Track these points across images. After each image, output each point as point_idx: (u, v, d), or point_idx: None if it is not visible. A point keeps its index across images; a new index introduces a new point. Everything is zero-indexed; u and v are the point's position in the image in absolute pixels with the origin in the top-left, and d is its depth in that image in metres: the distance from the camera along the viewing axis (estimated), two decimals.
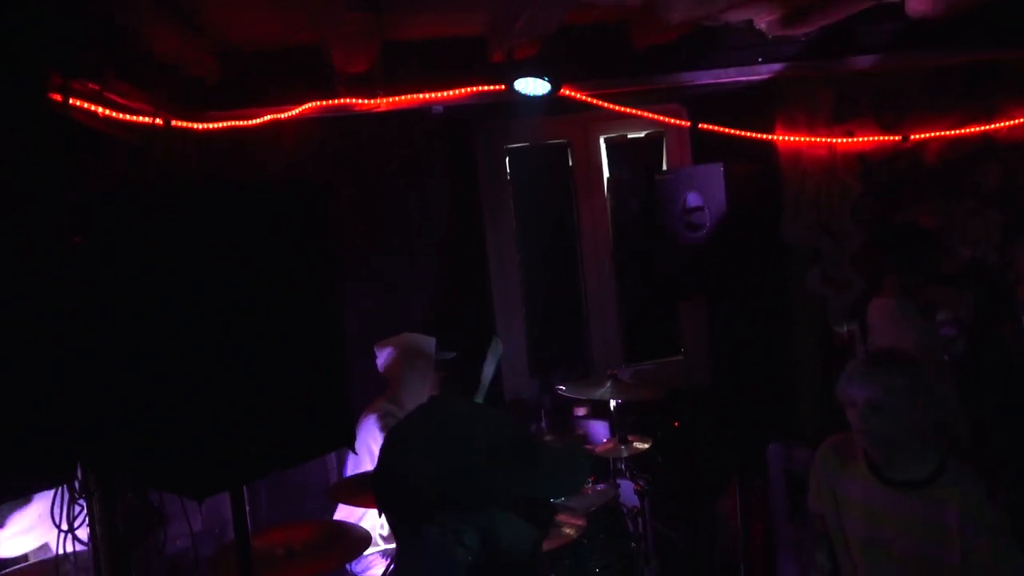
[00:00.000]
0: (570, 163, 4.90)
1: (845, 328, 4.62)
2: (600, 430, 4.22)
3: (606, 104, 4.28)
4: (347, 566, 3.24)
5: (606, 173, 4.92)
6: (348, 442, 2.17)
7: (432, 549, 1.19)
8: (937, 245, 3.72)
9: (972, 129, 4.77)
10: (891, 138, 4.71)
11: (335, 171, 4.21)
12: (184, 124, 3.48)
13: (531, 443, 1.25)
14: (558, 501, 1.39)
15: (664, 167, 4.99)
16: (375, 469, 1.26)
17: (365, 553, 2.72)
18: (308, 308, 2.06)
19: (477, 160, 4.65)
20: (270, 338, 1.96)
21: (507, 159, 4.79)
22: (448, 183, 4.49)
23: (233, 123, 3.70)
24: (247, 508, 3.45)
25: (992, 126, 4.81)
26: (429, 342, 3.55)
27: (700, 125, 4.55)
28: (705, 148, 4.66)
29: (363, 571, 3.31)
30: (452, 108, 4.11)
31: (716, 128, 4.55)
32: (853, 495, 2.29)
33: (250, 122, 3.74)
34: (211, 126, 3.67)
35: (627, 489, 3.68)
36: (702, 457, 4.32)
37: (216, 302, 1.85)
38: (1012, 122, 4.84)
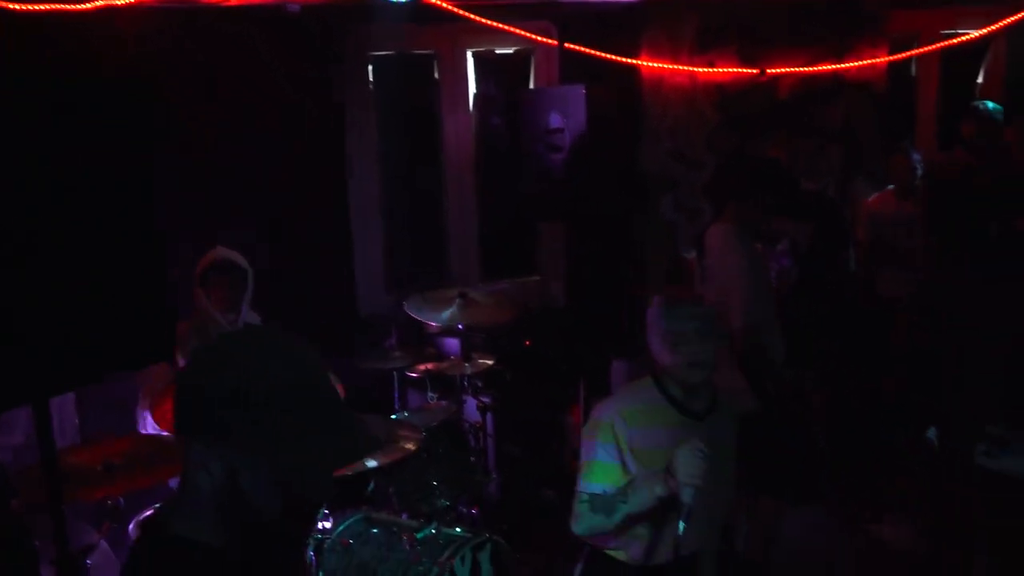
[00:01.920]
0: (436, 75, 4.78)
1: (693, 254, 4.81)
2: (452, 346, 4.26)
3: (473, 16, 4.17)
4: (173, 483, 3.17)
5: (472, 88, 4.84)
6: (166, 355, 2.10)
7: (187, 467, 1.20)
8: (785, 177, 3.87)
9: (824, 67, 4.96)
10: (749, 71, 4.84)
11: (178, 70, 3.92)
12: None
13: (321, 409, 1.21)
14: (326, 494, 1.33)
15: (532, 86, 4.95)
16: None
17: None
18: (124, 215, 1.94)
19: (339, 65, 4.45)
20: (79, 243, 1.84)
21: (370, 67, 4.61)
22: (305, 88, 4.28)
23: (58, 6, 3.37)
24: (76, 421, 3.34)
25: (842, 65, 5.01)
26: (214, 253, 3.32)
27: (566, 45, 4.52)
28: (573, 68, 4.65)
29: None
30: (310, 7, 3.89)
31: (582, 49, 4.53)
32: (657, 436, 2.37)
33: (79, 6, 3.41)
34: (33, 7, 3.33)
35: (471, 406, 3.76)
36: (551, 373, 4.45)
37: (14, 200, 1.72)
38: (861, 63, 5.06)
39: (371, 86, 4.62)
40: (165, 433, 2.92)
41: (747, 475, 2.84)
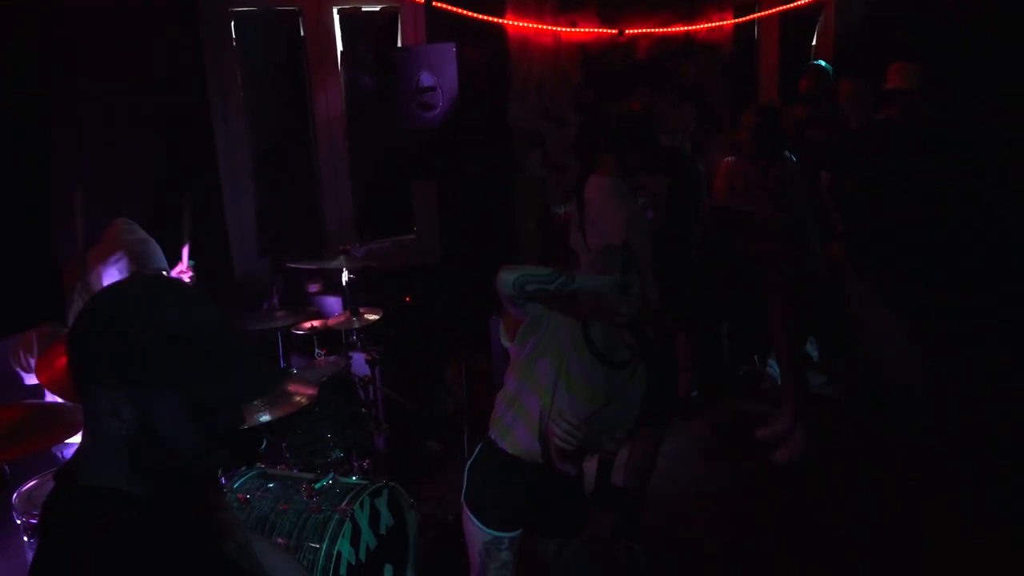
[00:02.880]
0: (301, 33, 4.70)
1: (563, 209, 5.01)
2: (334, 305, 4.29)
3: None
4: (57, 451, 3.07)
5: (340, 46, 4.79)
6: (56, 313, 2.05)
7: (94, 416, 1.18)
8: (655, 132, 4.07)
9: (676, 28, 5.25)
10: (609, 31, 5.05)
11: (31, 24, 3.68)
12: None
13: (227, 346, 1.22)
14: (237, 424, 1.30)
15: (399, 44, 4.96)
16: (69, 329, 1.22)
17: (77, 436, 2.60)
18: (13, 176, 1.89)
19: (199, 22, 4.30)
20: None
21: (232, 23, 4.48)
22: (165, 44, 4.11)
23: None
24: None
25: (693, 27, 5.32)
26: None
27: (434, 3, 4.56)
28: (440, 27, 4.70)
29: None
30: None
31: (449, 7, 4.59)
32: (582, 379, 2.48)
33: None
34: None
35: (359, 360, 3.82)
36: (431, 329, 4.56)
37: None
38: (709, 25, 5.39)
39: (235, 44, 4.49)
40: (48, 392, 2.83)
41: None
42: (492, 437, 2.59)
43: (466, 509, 2.60)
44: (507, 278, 2.38)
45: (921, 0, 5.97)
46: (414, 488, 3.93)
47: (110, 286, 1.25)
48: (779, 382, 5.11)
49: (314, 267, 3.81)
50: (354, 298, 3.92)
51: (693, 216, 5.02)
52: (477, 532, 2.58)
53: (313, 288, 4.34)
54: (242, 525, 1.51)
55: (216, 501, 1.42)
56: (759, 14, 5.92)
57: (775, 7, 5.96)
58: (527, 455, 2.52)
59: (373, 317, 3.75)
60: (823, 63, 5.36)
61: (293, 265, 3.83)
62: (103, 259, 3.09)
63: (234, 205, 4.51)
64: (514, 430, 2.53)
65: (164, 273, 3.25)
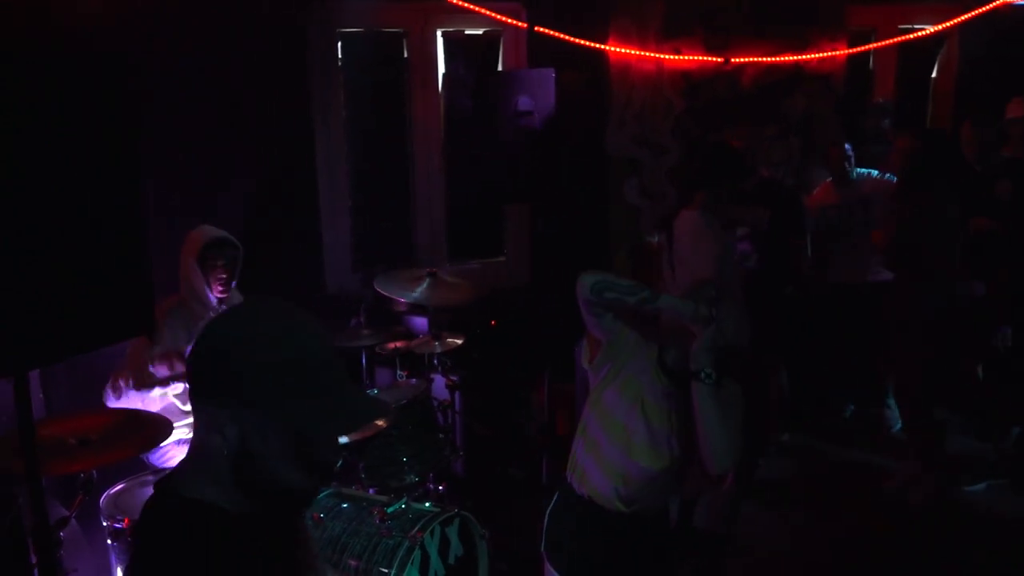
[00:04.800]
0: (405, 54, 4.78)
1: (656, 238, 4.90)
2: (420, 324, 4.31)
3: None
4: (145, 456, 3.18)
5: (441, 68, 4.85)
6: (147, 329, 2.11)
7: (202, 431, 1.23)
8: (745, 165, 3.96)
9: (786, 58, 5.08)
10: (714, 59, 4.93)
11: (146, 41, 3.87)
12: None
13: (333, 376, 1.24)
14: (335, 457, 1.33)
15: (500, 67, 4.98)
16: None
17: (165, 442, 2.68)
18: (106, 187, 1.95)
19: (307, 41, 4.43)
20: (60, 215, 1.85)
21: (339, 44, 4.60)
22: (274, 63, 4.26)
23: None
24: (41, 395, 3.31)
25: (803, 57, 5.14)
26: (206, 231, 3.29)
27: (536, 28, 4.55)
28: (541, 52, 4.69)
29: (161, 460, 3.25)
30: None
31: (551, 32, 4.58)
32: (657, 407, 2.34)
33: None
34: None
35: (439, 384, 3.81)
36: (516, 353, 4.52)
37: None
38: (821, 55, 5.19)
39: (340, 64, 4.60)
40: (140, 406, 2.93)
41: None
42: (569, 481, 2.48)
43: (545, 559, 2.50)
44: (587, 280, 2.27)
45: None
46: (489, 516, 3.89)
47: (233, 307, 1.31)
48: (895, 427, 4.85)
49: (396, 297, 3.79)
50: (438, 319, 3.93)
51: (794, 251, 4.84)
52: None
53: (401, 307, 4.38)
54: (322, 557, 1.52)
55: (304, 535, 1.44)
56: (874, 44, 5.66)
57: (893, 38, 5.69)
58: (602, 499, 2.40)
59: (456, 341, 3.74)
60: (882, 100, 5.17)
61: (381, 293, 3.84)
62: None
63: (331, 221, 4.61)
64: (588, 473, 2.42)
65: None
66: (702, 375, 2.20)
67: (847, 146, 4.92)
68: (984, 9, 5.59)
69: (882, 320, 4.39)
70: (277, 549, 1.29)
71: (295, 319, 1.24)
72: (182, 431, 3.12)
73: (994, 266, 4.36)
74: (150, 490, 1.30)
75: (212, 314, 3.24)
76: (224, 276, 3.29)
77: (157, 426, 2.63)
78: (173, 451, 3.24)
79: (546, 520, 2.52)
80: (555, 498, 2.52)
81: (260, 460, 1.20)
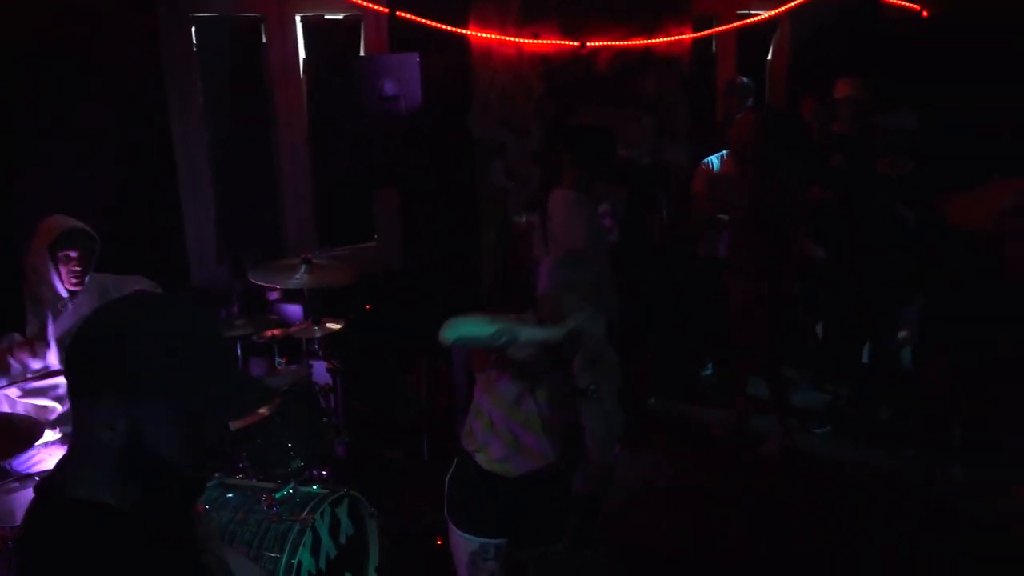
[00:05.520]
0: (264, 40, 4.69)
1: (524, 218, 5.06)
2: (294, 312, 4.28)
3: None
4: (7, 464, 3.01)
5: (303, 54, 4.79)
6: (14, 326, 2.04)
7: (85, 427, 1.20)
8: (613, 144, 4.14)
9: (636, 42, 5.34)
10: (571, 44, 5.12)
11: None
12: None
13: (222, 362, 1.26)
14: (226, 442, 1.33)
15: (362, 52, 4.97)
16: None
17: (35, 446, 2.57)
18: None
19: (159, 27, 4.27)
20: None
21: (193, 29, 4.45)
22: (126, 49, 4.08)
23: None
24: None
25: (653, 41, 5.42)
26: (60, 221, 3.12)
27: (398, 12, 4.58)
28: (403, 37, 4.72)
29: (26, 466, 3.09)
30: None
31: (413, 17, 4.62)
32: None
33: None
34: None
35: (320, 369, 3.82)
36: (393, 336, 4.57)
37: None
38: (668, 39, 5.49)
39: (194, 49, 4.46)
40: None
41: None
42: (467, 450, 2.61)
43: (450, 523, 2.62)
44: (447, 337, 2.34)
45: (869, 18, 6.18)
46: (375, 496, 3.94)
47: (111, 301, 1.28)
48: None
49: (276, 285, 3.77)
50: (315, 306, 3.92)
51: (648, 228, 5.11)
52: (462, 542, 2.59)
53: (273, 296, 4.33)
54: (218, 537, 1.53)
55: (197, 523, 1.44)
56: (716, 29, 6.04)
57: (732, 23, 6.09)
58: (502, 469, 2.54)
59: (335, 326, 3.76)
60: (745, 79, 5.55)
61: (257, 283, 3.79)
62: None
63: (193, 211, 4.48)
64: (488, 446, 2.55)
65: None
66: (588, 391, 2.33)
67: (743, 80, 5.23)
68: None
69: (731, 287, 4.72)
70: (172, 542, 1.28)
71: (180, 308, 1.25)
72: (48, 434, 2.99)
73: (831, 233, 4.79)
74: (18, 498, 1.27)
75: (62, 307, 3.11)
76: (78, 269, 3.12)
77: (23, 430, 2.53)
78: (40, 455, 3.09)
79: (447, 487, 2.64)
80: (454, 465, 2.65)
81: (152, 450, 1.19)
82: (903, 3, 6.34)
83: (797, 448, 4.63)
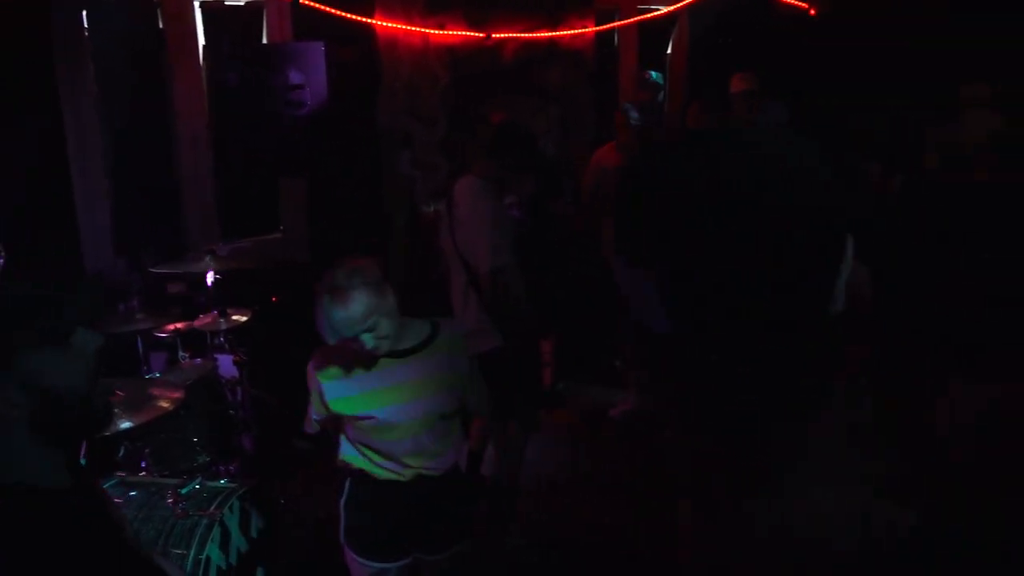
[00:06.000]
0: (160, 25, 4.55)
1: (431, 207, 5.09)
2: (199, 304, 4.19)
3: None
4: None
5: (202, 40, 4.67)
6: None
7: None
8: (527, 135, 4.20)
9: (541, 34, 5.43)
10: (476, 35, 5.17)
11: None
12: None
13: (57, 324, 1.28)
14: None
15: (264, 40, 4.88)
16: None
17: None
18: None
19: (48, 12, 4.09)
20: None
21: (84, 13, 4.29)
22: (12, 33, 3.90)
23: None
24: None
25: (557, 33, 5.52)
26: None
27: (302, 0, 4.53)
28: (307, 25, 4.67)
29: None
30: None
31: (317, 5, 4.57)
32: (352, 384, 2.46)
33: None
34: None
35: (225, 362, 3.76)
36: (300, 327, 4.53)
37: None
38: (572, 31, 5.60)
39: (87, 34, 4.30)
40: None
41: (496, 404, 3.17)
42: (356, 467, 2.58)
43: (347, 549, 2.58)
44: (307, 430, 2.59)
45: (762, 15, 6.45)
46: (285, 487, 3.93)
47: None
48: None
49: (178, 271, 3.71)
50: (219, 299, 3.86)
51: (553, 216, 5.22)
52: (361, 569, 2.56)
53: (175, 289, 4.23)
54: (127, 518, 1.53)
55: (107, 495, 1.45)
56: (619, 23, 6.19)
57: (633, 17, 6.25)
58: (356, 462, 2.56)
59: (241, 318, 3.71)
60: (655, 74, 5.73)
61: (156, 271, 3.72)
62: None
63: (87, 204, 4.33)
64: (345, 452, 2.58)
65: None
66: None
67: (632, 113, 5.35)
68: None
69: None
70: (97, 515, 1.31)
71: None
72: None
73: None
74: None
75: None
76: None
77: None
78: None
79: (342, 511, 2.58)
80: (346, 488, 2.59)
81: (49, 395, 1.22)
82: (793, 1, 6.64)
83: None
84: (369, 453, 2.51)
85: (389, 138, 5.08)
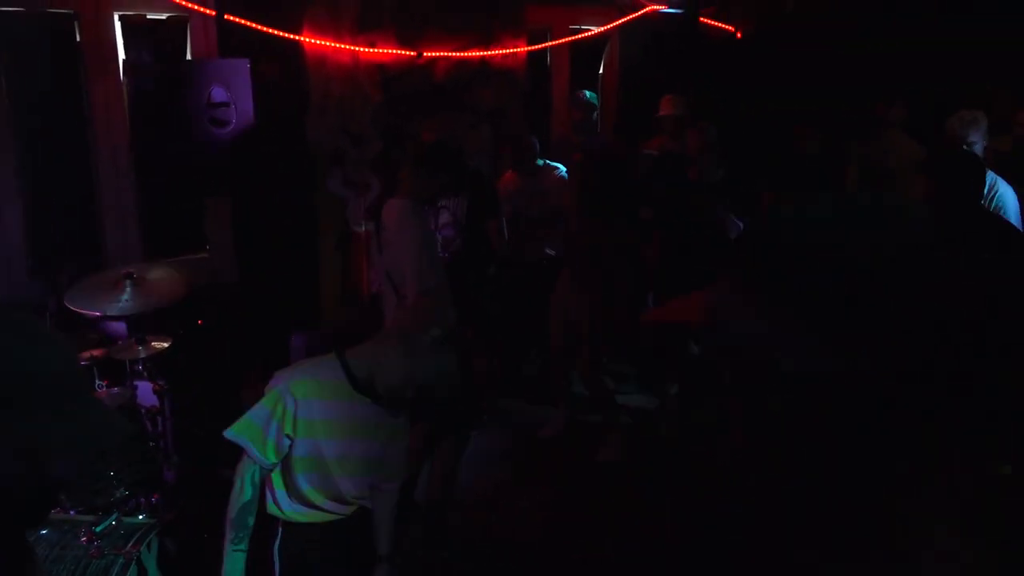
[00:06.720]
0: (78, 38, 4.39)
1: (363, 227, 5.02)
2: (118, 329, 4.03)
3: None
4: None
5: (122, 55, 4.52)
6: None
7: None
8: (456, 155, 4.18)
9: (473, 53, 5.42)
10: (408, 53, 5.13)
11: None
12: None
13: (71, 387, 1.18)
14: (73, 475, 1.29)
15: (188, 56, 4.75)
16: None
17: None
18: None
19: None
20: None
21: None
22: None
23: None
24: None
25: (489, 52, 5.52)
26: None
27: (226, 15, 4.42)
28: (233, 41, 4.55)
29: None
30: None
31: (243, 21, 4.47)
32: (324, 409, 2.38)
33: None
34: None
35: (145, 390, 3.62)
36: (226, 350, 4.41)
37: None
38: (504, 51, 5.62)
39: None
40: None
41: (430, 423, 3.12)
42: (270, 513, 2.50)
43: None
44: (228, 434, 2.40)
45: (690, 37, 6.59)
46: (211, 518, 3.78)
47: None
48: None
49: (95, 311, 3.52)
50: (141, 322, 3.72)
51: (488, 234, 5.21)
52: None
53: (95, 313, 4.06)
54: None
55: (29, 547, 1.36)
56: (551, 43, 6.23)
57: (565, 37, 6.31)
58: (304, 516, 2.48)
59: (163, 345, 3.58)
60: (588, 93, 5.79)
61: (73, 308, 3.52)
62: None
63: None
64: (278, 499, 2.46)
65: None
66: None
67: (534, 140, 5.38)
68: (638, 14, 6.39)
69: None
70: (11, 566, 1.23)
71: (23, 327, 1.16)
72: None
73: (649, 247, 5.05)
74: None
75: None
76: None
77: None
78: None
79: (276, 558, 2.50)
80: (279, 534, 2.51)
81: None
82: (719, 24, 6.80)
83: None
84: (313, 495, 2.42)
85: (320, 156, 4.99)
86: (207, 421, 4.29)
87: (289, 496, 2.45)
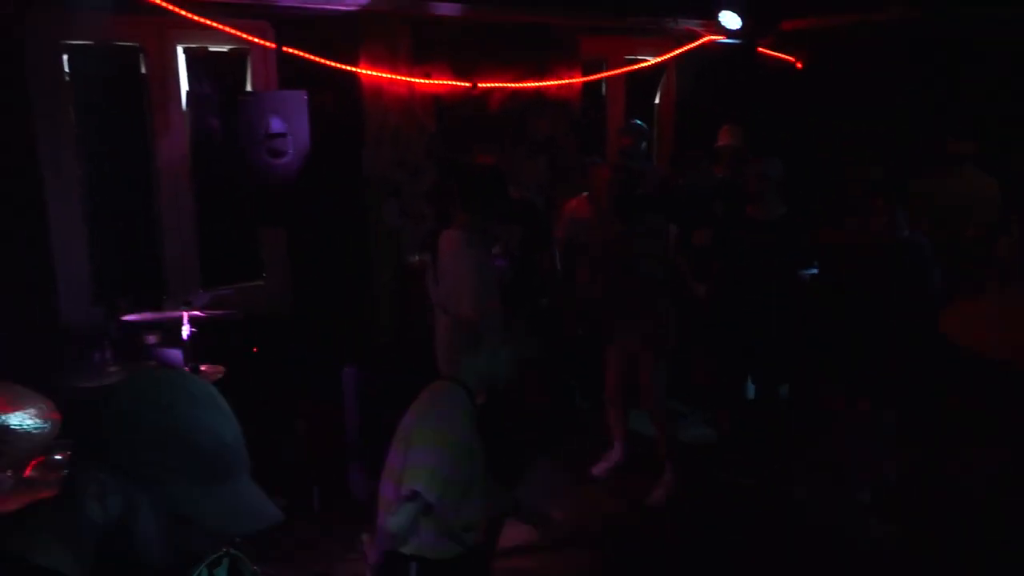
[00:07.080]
0: (143, 70, 4.50)
1: (417, 258, 5.01)
2: (174, 356, 4.06)
3: (179, 9, 4.00)
4: None
5: (185, 86, 4.62)
6: None
7: (75, 492, 1.13)
8: (503, 185, 4.15)
9: (528, 84, 5.42)
10: (462, 84, 5.14)
11: None
12: None
13: (236, 468, 1.19)
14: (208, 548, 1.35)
15: (248, 87, 4.84)
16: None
17: None
18: None
19: (25, 54, 4.03)
20: None
21: (65, 57, 4.23)
22: None
23: None
24: None
25: (544, 83, 5.52)
26: None
27: (284, 48, 4.49)
28: (292, 73, 4.63)
29: None
30: None
31: (301, 53, 4.53)
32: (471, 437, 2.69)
33: None
34: None
35: None
36: (280, 380, 4.41)
37: None
38: (559, 82, 5.60)
39: (68, 78, 4.24)
40: None
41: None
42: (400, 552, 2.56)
43: None
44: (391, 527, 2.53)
45: (748, 68, 6.50)
46: (260, 550, 3.76)
47: (138, 374, 1.24)
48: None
49: (151, 319, 3.60)
50: (196, 350, 3.73)
51: (542, 265, 5.17)
52: None
53: (151, 339, 4.10)
54: None
55: None
56: (606, 73, 6.20)
57: (620, 68, 6.27)
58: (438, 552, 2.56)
59: (218, 372, 3.59)
60: (639, 122, 5.73)
61: (128, 318, 3.61)
62: None
63: (64, 249, 4.22)
64: (418, 534, 2.54)
65: None
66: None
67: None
68: (693, 45, 6.33)
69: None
70: None
71: (204, 396, 1.20)
72: None
73: (711, 271, 4.94)
74: None
75: None
76: None
77: None
78: None
79: None
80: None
81: (133, 537, 1.13)
82: (779, 55, 6.69)
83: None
84: (455, 528, 2.55)
85: (375, 187, 5.01)
86: (258, 449, 4.29)
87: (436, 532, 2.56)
